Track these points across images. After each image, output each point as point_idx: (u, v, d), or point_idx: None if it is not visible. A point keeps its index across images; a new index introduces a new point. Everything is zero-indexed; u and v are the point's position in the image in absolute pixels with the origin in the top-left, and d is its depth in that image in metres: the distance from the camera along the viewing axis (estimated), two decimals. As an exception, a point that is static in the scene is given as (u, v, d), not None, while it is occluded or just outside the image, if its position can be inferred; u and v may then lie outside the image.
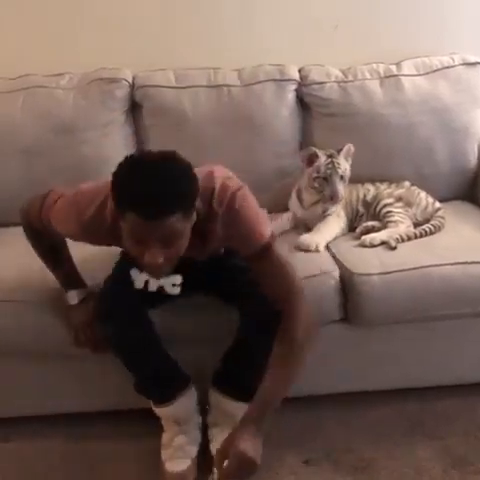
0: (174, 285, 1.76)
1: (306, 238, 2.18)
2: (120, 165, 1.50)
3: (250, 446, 1.55)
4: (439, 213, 2.31)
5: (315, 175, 2.24)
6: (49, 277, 1.93)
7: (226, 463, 1.57)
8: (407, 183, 2.39)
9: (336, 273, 2.03)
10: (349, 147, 2.27)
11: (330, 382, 2.15)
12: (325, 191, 2.23)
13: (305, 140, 2.48)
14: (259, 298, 1.74)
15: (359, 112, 2.43)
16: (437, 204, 2.34)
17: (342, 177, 2.24)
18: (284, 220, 2.35)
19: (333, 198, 2.23)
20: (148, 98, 2.44)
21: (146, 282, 1.75)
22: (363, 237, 2.18)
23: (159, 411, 1.98)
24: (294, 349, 1.66)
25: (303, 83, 2.48)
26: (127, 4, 2.57)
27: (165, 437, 2.00)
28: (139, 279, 1.75)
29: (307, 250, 2.15)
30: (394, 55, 2.56)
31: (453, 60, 2.53)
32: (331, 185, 2.22)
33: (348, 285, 2.03)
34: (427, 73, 2.50)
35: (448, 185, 2.50)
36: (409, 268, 2.02)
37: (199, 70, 2.49)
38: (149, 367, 1.92)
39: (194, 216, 1.57)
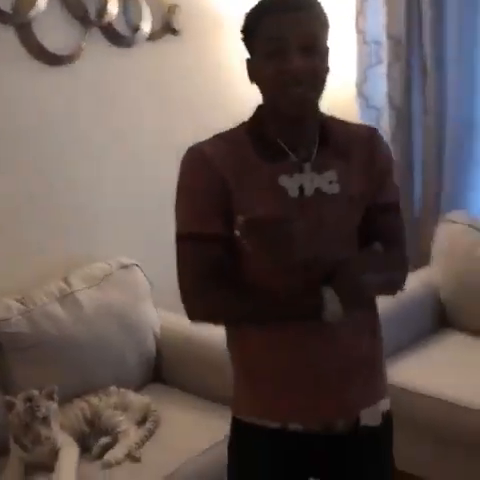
0: (331, 182, 1.55)
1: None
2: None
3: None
4: (151, 407, 2.53)
5: (16, 421, 2.23)
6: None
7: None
8: (113, 387, 2.55)
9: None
10: (53, 388, 2.31)
11: None
12: (26, 438, 2.23)
13: (3, 380, 2.44)
14: None
15: (49, 339, 2.51)
16: (146, 399, 2.57)
17: (44, 419, 2.25)
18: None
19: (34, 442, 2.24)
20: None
21: (301, 188, 1.52)
22: (105, 458, 2.27)
23: None
24: (403, 256, 1.67)
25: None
26: None
27: None
28: (292, 186, 1.52)
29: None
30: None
31: (111, 266, 2.77)
32: (32, 431, 2.23)
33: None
34: (97, 284, 2.69)
35: (138, 376, 2.74)
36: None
37: None
38: None
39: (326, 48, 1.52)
